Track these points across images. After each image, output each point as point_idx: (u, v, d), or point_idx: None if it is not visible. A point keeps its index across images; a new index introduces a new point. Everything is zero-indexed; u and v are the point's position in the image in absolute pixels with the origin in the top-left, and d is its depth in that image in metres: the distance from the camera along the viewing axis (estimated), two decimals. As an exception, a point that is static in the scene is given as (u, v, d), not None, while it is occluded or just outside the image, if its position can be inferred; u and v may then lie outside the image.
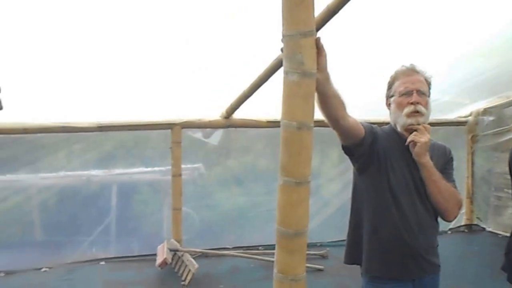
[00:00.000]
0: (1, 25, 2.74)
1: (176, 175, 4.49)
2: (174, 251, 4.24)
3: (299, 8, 1.47)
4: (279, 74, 3.05)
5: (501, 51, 3.74)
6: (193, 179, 4.86)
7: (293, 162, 1.53)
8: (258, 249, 4.66)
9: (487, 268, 3.97)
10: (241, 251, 4.58)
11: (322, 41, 1.59)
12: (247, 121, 4.56)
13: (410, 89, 2.10)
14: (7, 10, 2.65)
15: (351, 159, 2.15)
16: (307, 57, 1.49)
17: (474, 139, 5.58)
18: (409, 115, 2.09)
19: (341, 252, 2.30)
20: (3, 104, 1.96)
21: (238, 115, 4.46)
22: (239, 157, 5.17)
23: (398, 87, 2.14)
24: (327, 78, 1.69)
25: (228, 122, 4.52)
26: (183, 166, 4.55)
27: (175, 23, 2.96)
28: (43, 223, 4.50)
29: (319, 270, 4.22)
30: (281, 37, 1.53)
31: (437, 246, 2.20)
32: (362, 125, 2.05)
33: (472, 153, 5.61)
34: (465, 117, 5.58)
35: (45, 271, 4.18)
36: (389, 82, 2.22)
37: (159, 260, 4.08)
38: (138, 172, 4.84)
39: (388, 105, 2.22)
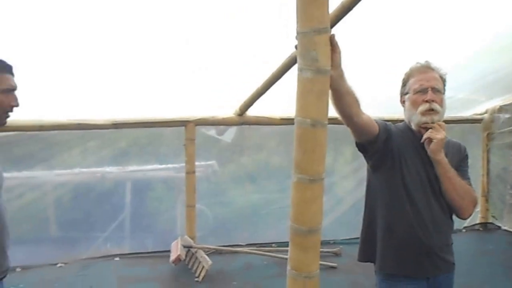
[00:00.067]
0: (18, 24, 2.78)
1: (190, 172, 4.51)
2: (188, 247, 4.26)
3: (313, 5, 1.47)
4: (293, 71, 3.08)
5: (517, 47, 3.70)
6: (206, 176, 4.88)
7: (307, 159, 1.53)
8: (271, 246, 4.67)
9: (502, 267, 3.94)
10: (255, 248, 4.59)
11: (336, 38, 1.59)
12: (260, 119, 4.56)
13: (425, 86, 2.08)
14: (24, 9, 2.69)
15: (365, 156, 2.14)
16: (321, 54, 1.49)
17: (489, 137, 5.52)
18: (423, 113, 2.07)
19: (354, 250, 2.30)
20: (19, 101, 1.98)
21: (251, 112, 4.46)
22: (253, 154, 5.18)
23: (413, 84, 2.12)
24: (341, 75, 1.69)
25: (241, 119, 4.53)
26: (196, 163, 4.57)
27: (182, 22, 2.98)
28: (58, 219, 4.56)
29: (332, 267, 4.21)
30: (295, 34, 1.53)
31: (452, 244, 2.19)
32: (376, 122, 2.04)
33: (488, 151, 5.54)
34: (480, 114, 5.52)
35: (60, 266, 4.23)
36: (403, 79, 2.20)
37: (173, 256, 4.11)
38: (152, 169, 4.87)
39: (403, 102, 2.20)
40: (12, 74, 1.96)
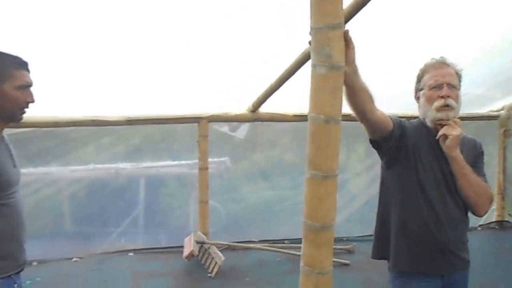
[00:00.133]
0: (34, 21, 2.81)
1: (203, 168, 4.52)
2: (200, 243, 4.28)
3: (327, 1, 1.46)
4: (306, 67, 3.07)
5: (535, 43, 3.64)
6: (219, 172, 4.89)
7: (321, 155, 1.52)
8: (284, 243, 4.66)
9: (518, 266, 3.89)
10: (267, 244, 4.59)
11: (350, 33, 1.58)
12: (273, 115, 4.55)
13: (440, 82, 2.05)
14: (41, 6, 2.72)
15: (379, 153, 2.13)
16: (335, 50, 1.48)
17: (506, 134, 5.43)
18: (439, 109, 2.05)
19: (367, 247, 2.29)
20: (35, 97, 2.01)
21: (264, 109, 4.46)
22: (266, 151, 5.18)
23: (428, 80, 2.10)
24: (355, 71, 1.68)
25: (254, 116, 4.52)
26: (209, 159, 4.57)
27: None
28: (73, 215, 4.61)
29: (346, 264, 4.19)
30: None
31: (467, 241, 2.17)
32: (391, 118, 2.02)
33: (504, 148, 5.46)
34: (497, 111, 5.43)
35: (75, 261, 4.28)
36: (418, 75, 2.18)
37: (186, 252, 4.13)
38: (165, 165, 4.90)
39: (417, 98, 2.18)
40: (28, 70, 1.98)
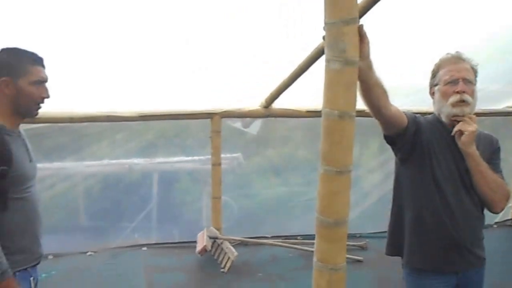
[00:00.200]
0: (50, 18, 2.84)
1: (216, 164, 4.54)
2: (213, 238, 4.30)
3: (342, -5, 1.45)
4: (319, 63, 3.06)
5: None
6: (232, 168, 4.90)
7: (334, 151, 1.52)
8: (296, 239, 4.67)
9: (534, 264, 3.83)
10: (280, 240, 4.60)
11: (365, 28, 1.56)
12: (286, 111, 4.54)
13: (455, 77, 2.03)
14: (55, 3, 2.75)
15: (393, 149, 2.11)
16: (350, 45, 1.47)
17: (522, 130, 5.36)
18: (454, 104, 2.02)
19: (380, 244, 2.28)
20: (50, 93, 2.03)
21: (277, 104, 4.45)
22: (278, 147, 5.17)
23: (443, 75, 2.07)
24: (369, 66, 1.67)
25: (267, 111, 4.52)
26: (222, 155, 4.59)
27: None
28: (88, 209, 4.66)
29: (359, 261, 4.19)
30: (323, 25, 1.51)
31: (483, 238, 2.14)
32: (405, 114, 2.01)
33: (521, 145, 5.38)
34: (513, 107, 5.36)
35: (90, 254, 4.34)
36: (433, 70, 2.15)
37: (199, 247, 4.15)
38: (178, 161, 4.92)
39: (432, 94, 2.15)
40: (43, 66, 2.00)
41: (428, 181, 2.03)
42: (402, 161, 2.12)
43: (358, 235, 4.76)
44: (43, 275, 3.50)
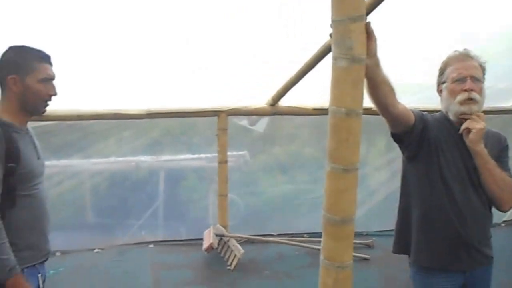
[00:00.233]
0: (57, 15, 2.85)
1: (222, 162, 4.54)
2: (220, 236, 4.31)
3: (348, -8, 1.44)
4: (326, 60, 3.05)
5: None
6: (238, 166, 4.90)
7: (341, 148, 1.51)
8: (303, 237, 4.66)
9: (543, 263, 3.80)
10: (286, 238, 4.60)
11: (372, 26, 1.56)
12: (293, 109, 4.52)
13: (463, 75, 2.01)
14: (61, 1, 2.76)
15: (400, 146, 2.11)
16: (357, 42, 1.46)
17: (531, 128, 5.31)
18: (462, 102, 2.01)
19: (387, 242, 2.27)
20: (57, 90, 2.04)
21: (284, 102, 4.44)
22: (285, 144, 5.17)
23: (451, 73, 2.06)
24: (377, 63, 1.66)
25: (274, 109, 4.51)
26: (228, 153, 4.59)
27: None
28: (95, 207, 4.68)
29: (365, 259, 4.18)
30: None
31: (491, 237, 2.13)
32: (412, 112, 2.00)
33: (529, 143, 5.34)
34: (522, 105, 5.31)
35: (97, 251, 4.36)
36: (440, 68, 2.14)
37: (205, 244, 4.16)
38: (184, 158, 4.93)
39: (440, 91, 2.14)
40: (50, 63, 2.01)
41: (436, 179, 2.03)
42: (409, 159, 2.11)
43: (364, 233, 4.75)
44: (51, 271, 3.53)
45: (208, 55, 3.41)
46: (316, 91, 3.94)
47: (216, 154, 4.57)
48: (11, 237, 1.81)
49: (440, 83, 2.13)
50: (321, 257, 1.59)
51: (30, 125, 2.08)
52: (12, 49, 1.97)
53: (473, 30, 3.23)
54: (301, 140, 5.20)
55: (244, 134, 4.84)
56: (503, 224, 5.20)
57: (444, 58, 2.14)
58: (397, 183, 2.24)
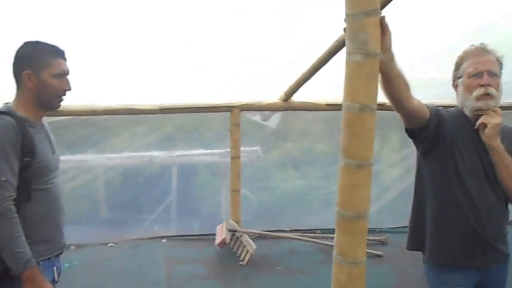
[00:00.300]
0: (71, 11, 2.87)
1: (235, 157, 4.54)
2: (232, 231, 4.32)
3: (363, -14, 1.42)
4: (339, 55, 3.03)
5: None
6: (251, 161, 4.90)
7: (355, 144, 1.50)
8: (315, 233, 4.65)
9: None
10: (299, 234, 4.59)
11: (387, 20, 1.54)
12: (306, 104, 4.50)
13: (480, 70, 1.98)
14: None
15: (415, 142, 2.08)
16: (371, 37, 1.45)
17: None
18: (478, 98, 1.98)
19: (400, 239, 2.25)
20: (71, 85, 2.05)
21: (297, 97, 4.42)
22: (297, 140, 5.15)
23: (467, 68, 2.03)
24: (391, 58, 1.64)
25: (287, 104, 4.49)
26: (241, 148, 4.59)
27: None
28: (108, 201, 4.72)
29: (378, 256, 4.15)
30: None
31: (507, 234, 2.10)
32: (427, 107, 1.97)
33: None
34: (539, 100, 5.22)
35: (111, 246, 4.40)
36: (456, 63, 2.11)
37: (218, 239, 4.18)
38: (197, 154, 4.94)
39: (455, 86, 2.11)
40: (64, 59, 2.02)
41: (451, 174, 2.00)
42: (424, 155, 2.09)
43: (378, 230, 4.72)
44: (66, 265, 3.56)
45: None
46: (329, 86, 3.91)
47: (229, 150, 4.57)
48: (26, 230, 1.83)
49: (456, 78, 2.10)
50: (334, 252, 1.58)
51: (46, 120, 2.10)
52: (27, 45, 1.98)
53: (492, 24, 3.18)
54: (313, 135, 5.18)
55: (256, 129, 4.83)
56: (519, 221, 5.13)
57: (460, 52, 2.10)
58: (411, 179, 2.22)
